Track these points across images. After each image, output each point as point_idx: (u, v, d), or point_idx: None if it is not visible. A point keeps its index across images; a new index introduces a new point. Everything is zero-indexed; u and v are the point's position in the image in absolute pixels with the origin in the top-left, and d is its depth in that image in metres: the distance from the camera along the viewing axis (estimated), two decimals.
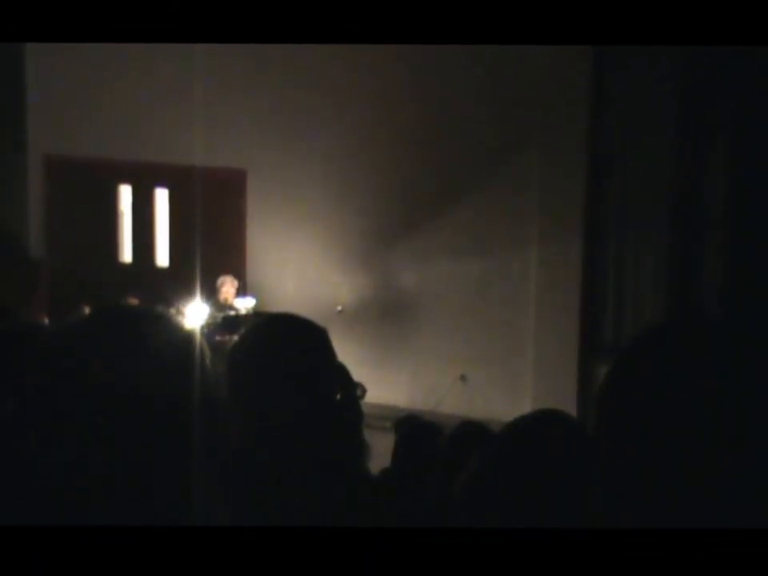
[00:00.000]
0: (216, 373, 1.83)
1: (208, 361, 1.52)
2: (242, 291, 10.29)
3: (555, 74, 9.31)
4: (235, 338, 2.22)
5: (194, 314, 9.47)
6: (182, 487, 1.40)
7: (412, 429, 4.89)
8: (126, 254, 11.70)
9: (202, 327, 9.29)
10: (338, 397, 2.23)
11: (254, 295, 10.21)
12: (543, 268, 9.66)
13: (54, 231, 11.30)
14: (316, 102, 10.43)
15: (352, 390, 2.67)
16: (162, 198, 11.48)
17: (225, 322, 9.47)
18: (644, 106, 9.00)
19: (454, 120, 9.93)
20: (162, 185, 11.39)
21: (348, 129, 10.38)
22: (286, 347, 2.15)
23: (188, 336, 1.54)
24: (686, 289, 8.97)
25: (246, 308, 9.89)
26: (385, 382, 9.08)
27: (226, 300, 10.00)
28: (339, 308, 10.30)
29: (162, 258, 11.56)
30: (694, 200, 8.90)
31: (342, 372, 2.58)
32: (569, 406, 7.78)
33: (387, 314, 10.54)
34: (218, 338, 9.10)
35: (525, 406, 7.18)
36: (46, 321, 8.34)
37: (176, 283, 9.92)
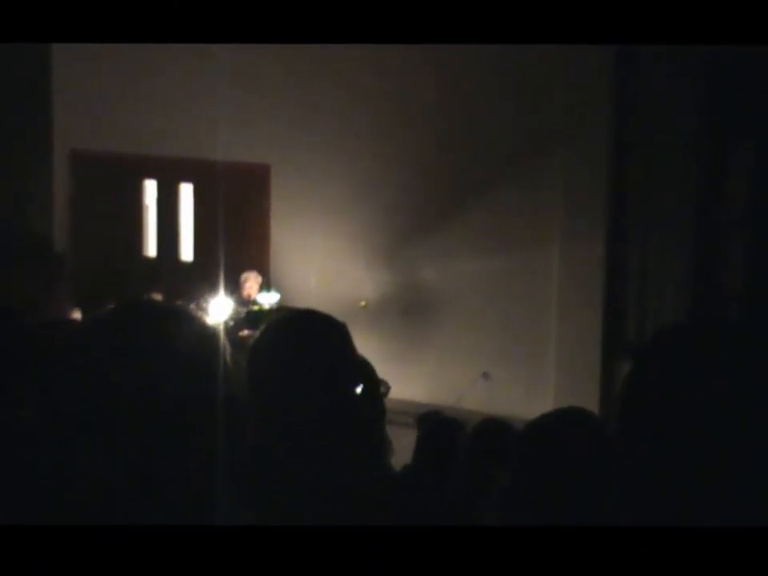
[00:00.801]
0: (238, 368, 1.84)
1: (230, 356, 1.53)
2: (265, 287, 10.31)
3: (579, 72, 9.28)
4: (257, 333, 2.22)
5: (218, 309, 9.50)
6: (202, 484, 1.41)
7: (434, 425, 4.89)
8: (151, 249, 11.75)
9: (225, 322, 9.32)
10: (360, 392, 2.23)
11: (277, 291, 10.23)
12: (566, 266, 9.63)
13: (79, 226, 11.36)
14: (340, 99, 10.43)
15: (375, 387, 2.67)
16: (186, 193, 11.52)
17: (248, 318, 9.49)
18: (668, 105, 8.96)
19: (477, 118, 9.92)
20: (187, 180, 11.42)
21: (371, 126, 10.39)
22: (306, 343, 2.16)
23: (211, 331, 1.55)
24: (708, 288, 8.94)
25: (269, 303, 9.91)
26: (407, 378, 9.08)
27: (249, 295, 10.02)
28: (362, 304, 10.30)
29: (187, 253, 11.60)
30: (718, 200, 8.86)
31: (366, 368, 2.59)
32: (591, 403, 7.76)
33: (410, 311, 10.54)
34: (240, 333, 9.13)
35: (547, 404, 7.17)
36: (71, 315, 8.38)
37: (200, 278, 9.96)
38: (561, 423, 2.35)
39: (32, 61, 9.83)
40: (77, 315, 8.44)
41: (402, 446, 4.10)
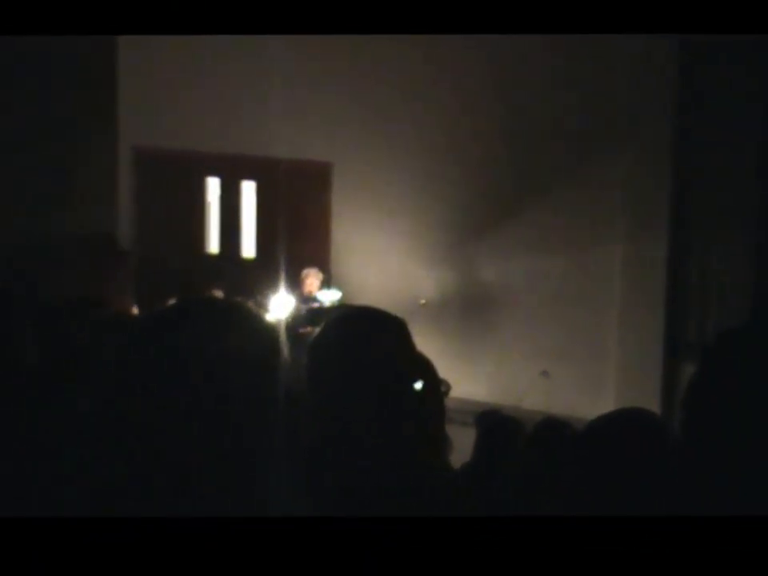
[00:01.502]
0: (298, 365, 1.84)
1: (290, 353, 1.53)
2: (326, 284, 10.34)
3: (642, 68, 9.19)
4: (318, 330, 2.23)
5: (278, 306, 9.55)
6: (261, 478, 1.42)
7: (493, 423, 4.88)
8: (213, 246, 11.84)
9: (286, 319, 9.37)
10: (420, 390, 2.23)
11: (338, 288, 10.26)
12: (627, 266, 9.55)
13: (142, 223, 11.49)
14: (402, 95, 10.43)
15: (435, 385, 2.67)
16: (248, 190, 11.59)
17: (308, 314, 9.53)
18: (734, 101, 8.83)
19: (537, 114, 9.86)
20: (250, 177, 11.50)
21: (433, 123, 10.37)
22: (367, 340, 2.16)
23: (271, 328, 1.56)
24: None
25: (329, 300, 9.94)
26: (467, 376, 9.06)
27: (309, 292, 10.06)
28: (422, 302, 10.29)
29: (248, 250, 11.67)
30: None
31: (426, 366, 2.59)
32: (652, 404, 7.69)
33: (470, 309, 10.51)
34: (301, 330, 9.17)
35: (607, 405, 7.11)
36: (134, 311, 8.48)
37: (261, 275, 10.03)
38: (622, 424, 2.32)
39: (97, 59, 9.96)
40: (139, 311, 8.54)
41: (462, 445, 4.09)
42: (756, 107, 8.70)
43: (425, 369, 2.42)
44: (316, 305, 9.86)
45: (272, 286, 9.67)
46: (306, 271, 10.15)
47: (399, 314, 2.26)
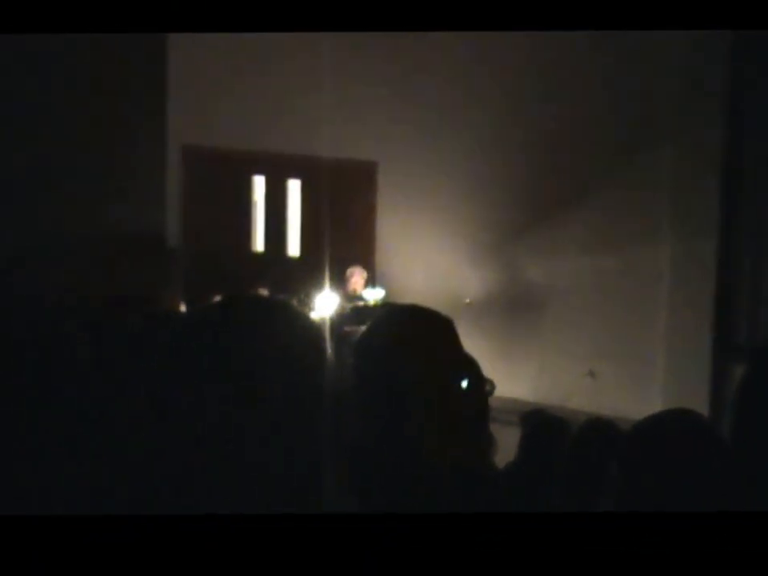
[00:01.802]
0: (343, 363, 1.85)
1: (336, 351, 1.54)
2: (370, 282, 10.36)
3: (690, 62, 9.10)
4: (363, 328, 2.23)
5: (324, 304, 9.58)
6: (305, 475, 1.42)
7: (538, 423, 4.86)
8: (259, 244, 11.90)
9: (331, 317, 9.40)
10: (466, 389, 2.23)
11: (382, 287, 10.28)
12: (675, 265, 9.47)
13: (190, 221, 11.57)
14: (446, 94, 10.43)
15: (481, 384, 2.67)
16: (294, 189, 11.64)
17: (353, 313, 9.55)
18: None
19: (584, 113, 9.81)
20: (295, 176, 11.54)
21: (478, 121, 10.36)
22: (413, 338, 2.16)
23: (316, 326, 1.56)
24: None
25: (374, 299, 9.96)
26: (512, 376, 9.03)
27: (354, 291, 10.09)
28: (467, 300, 10.28)
29: (294, 249, 11.72)
30: None
31: (472, 365, 2.58)
32: (700, 405, 7.61)
33: (515, 308, 10.48)
34: (346, 328, 9.18)
35: (655, 405, 7.05)
36: (181, 308, 8.55)
37: (306, 273, 10.06)
38: (668, 425, 2.31)
39: (145, 58, 10.04)
40: (187, 309, 8.60)
41: (507, 445, 4.08)
42: None
43: (470, 368, 2.41)
44: (361, 303, 9.88)
45: (317, 284, 9.71)
46: (350, 270, 10.18)
47: (444, 313, 2.26)
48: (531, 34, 8.45)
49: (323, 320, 9.18)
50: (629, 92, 9.53)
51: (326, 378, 1.49)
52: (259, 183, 11.79)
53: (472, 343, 2.85)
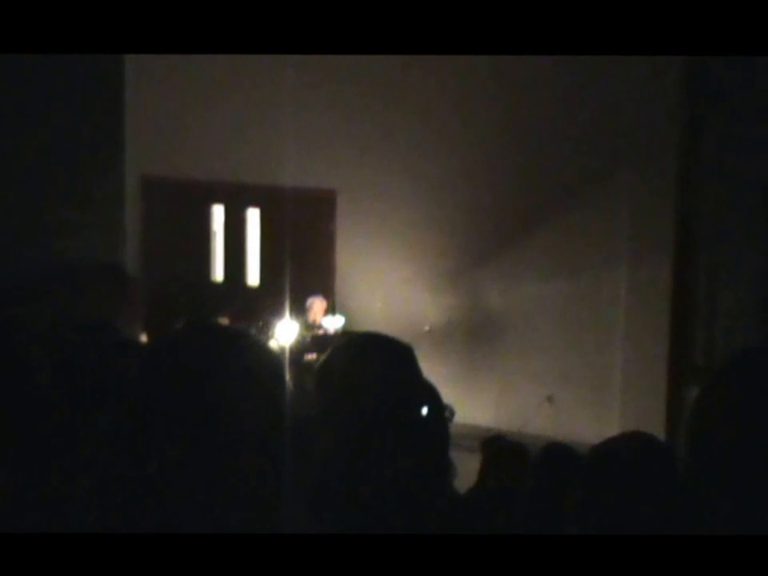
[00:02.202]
0: (304, 391, 1.86)
1: (296, 379, 1.56)
2: (330, 311, 10.37)
3: (647, 89, 9.21)
4: (323, 357, 2.25)
5: (284, 333, 9.57)
6: (266, 502, 1.43)
7: (498, 449, 4.88)
8: (219, 273, 11.88)
9: (292, 346, 9.39)
10: (425, 416, 2.24)
11: (342, 314, 10.29)
12: (632, 290, 9.56)
13: (149, 250, 11.54)
14: (405, 121, 10.49)
15: (440, 411, 2.68)
16: (253, 218, 11.64)
17: (313, 342, 9.56)
18: (740, 123, 8.84)
19: (543, 139, 9.90)
20: (254, 205, 11.55)
21: (436, 148, 10.42)
22: (373, 366, 2.18)
23: (276, 354, 1.58)
24: None
25: (334, 327, 9.97)
26: (472, 402, 9.06)
27: (315, 320, 10.08)
28: (427, 328, 10.31)
29: (253, 278, 11.70)
30: None
31: (432, 392, 2.60)
32: (657, 429, 7.68)
33: (474, 334, 10.52)
34: (306, 356, 9.19)
35: (612, 429, 7.10)
36: (141, 337, 8.51)
37: (266, 302, 10.06)
38: (626, 448, 2.34)
39: (103, 86, 10.02)
40: (147, 337, 8.56)
41: (467, 471, 4.10)
42: (764, 127, 8.70)
43: (430, 395, 2.43)
44: (321, 332, 9.89)
45: (277, 312, 9.70)
46: (310, 299, 10.18)
47: (404, 340, 2.28)
48: (493, 58, 8.54)
49: (283, 348, 9.17)
50: (587, 117, 9.63)
51: (287, 406, 1.51)
52: (218, 212, 11.78)
53: (431, 370, 2.87)
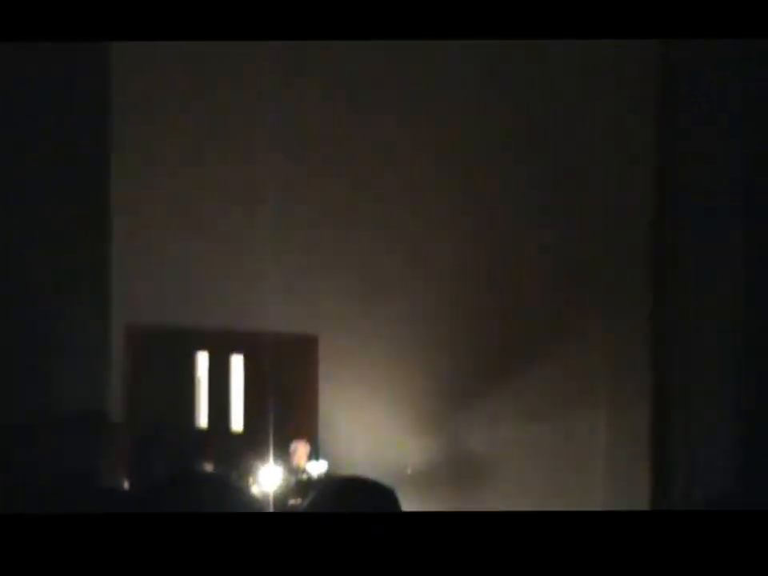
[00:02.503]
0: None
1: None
2: (314, 455, 10.37)
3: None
4: (307, 501, 2.33)
5: (267, 478, 9.57)
6: None
7: None
8: (203, 419, 11.88)
9: (275, 492, 9.38)
10: None
11: (325, 458, 10.28)
12: (611, 431, 9.62)
13: (132, 397, 11.57)
14: (385, 261, 10.64)
15: None
16: (237, 364, 11.71)
17: (297, 486, 9.55)
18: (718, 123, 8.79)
19: (521, 283, 10.08)
20: (238, 351, 11.64)
21: (420, 289, 10.55)
22: (355, 509, 2.26)
23: (261, 501, 1.68)
24: (761, 455, 8.84)
25: (318, 472, 9.96)
26: None
27: (299, 465, 10.08)
28: (409, 470, 10.31)
29: (237, 423, 11.70)
30: None
31: None
32: None
33: (457, 476, 10.50)
34: (291, 502, 9.18)
35: None
36: (125, 484, 8.49)
37: (250, 448, 10.07)
38: None
39: (88, 238, 10.22)
40: (130, 484, 8.55)
41: None
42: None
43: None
44: (305, 476, 9.88)
45: (260, 457, 9.71)
46: (294, 444, 10.18)
47: (387, 483, 2.37)
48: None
49: (266, 494, 9.15)
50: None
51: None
52: (202, 359, 11.86)
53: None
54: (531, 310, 10.08)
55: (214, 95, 10.99)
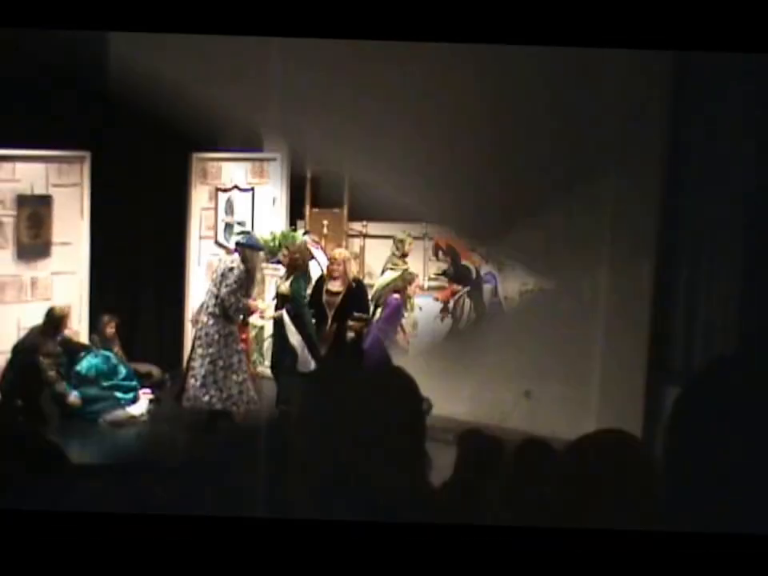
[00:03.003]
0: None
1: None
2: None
3: (632, 87, 9.20)
4: None
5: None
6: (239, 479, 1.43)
7: (474, 443, 4.89)
8: None
9: None
10: (403, 408, 2.25)
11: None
12: (612, 288, 9.59)
13: None
14: None
15: (418, 404, 2.69)
16: None
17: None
18: (728, 124, 8.82)
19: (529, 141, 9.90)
20: None
21: None
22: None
23: None
24: (759, 315, 8.83)
25: None
26: (449, 396, 9.08)
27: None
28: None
29: None
30: None
31: (409, 384, 2.61)
32: (633, 426, 7.71)
33: (454, 330, 10.54)
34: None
35: (589, 425, 7.13)
36: None
37: None
38: (602, 444, 2.35)
39: None
40: None
41: (442, 464, 4.10)
42: (750, 130, 8.68)
43: (408, 387, 2.43)
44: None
45: None
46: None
47: None
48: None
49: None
50: (572, 115, 9.60)
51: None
52: None
53: (411, 363, 2.88)
54: (536, 165, 9.92)
55: None
